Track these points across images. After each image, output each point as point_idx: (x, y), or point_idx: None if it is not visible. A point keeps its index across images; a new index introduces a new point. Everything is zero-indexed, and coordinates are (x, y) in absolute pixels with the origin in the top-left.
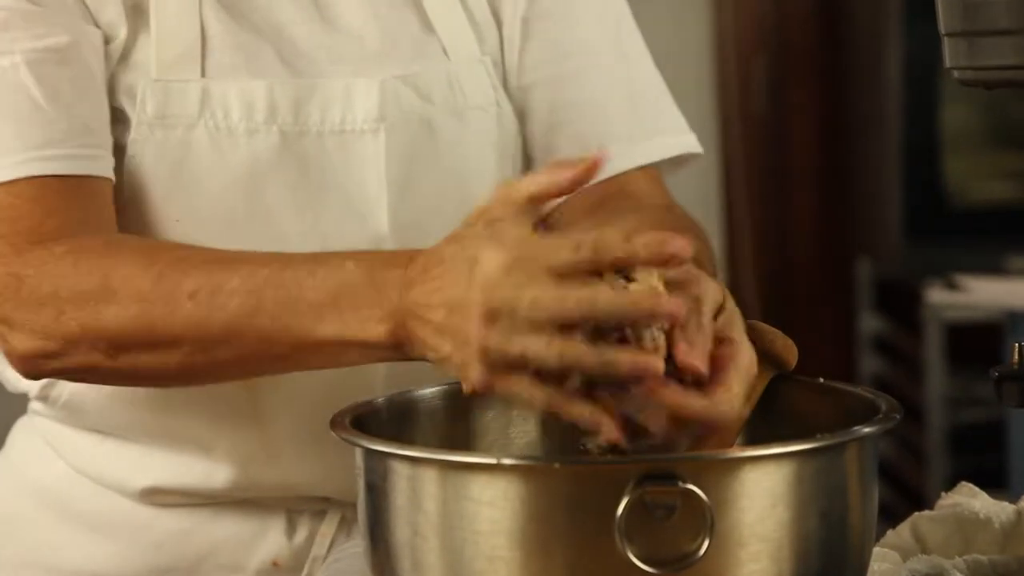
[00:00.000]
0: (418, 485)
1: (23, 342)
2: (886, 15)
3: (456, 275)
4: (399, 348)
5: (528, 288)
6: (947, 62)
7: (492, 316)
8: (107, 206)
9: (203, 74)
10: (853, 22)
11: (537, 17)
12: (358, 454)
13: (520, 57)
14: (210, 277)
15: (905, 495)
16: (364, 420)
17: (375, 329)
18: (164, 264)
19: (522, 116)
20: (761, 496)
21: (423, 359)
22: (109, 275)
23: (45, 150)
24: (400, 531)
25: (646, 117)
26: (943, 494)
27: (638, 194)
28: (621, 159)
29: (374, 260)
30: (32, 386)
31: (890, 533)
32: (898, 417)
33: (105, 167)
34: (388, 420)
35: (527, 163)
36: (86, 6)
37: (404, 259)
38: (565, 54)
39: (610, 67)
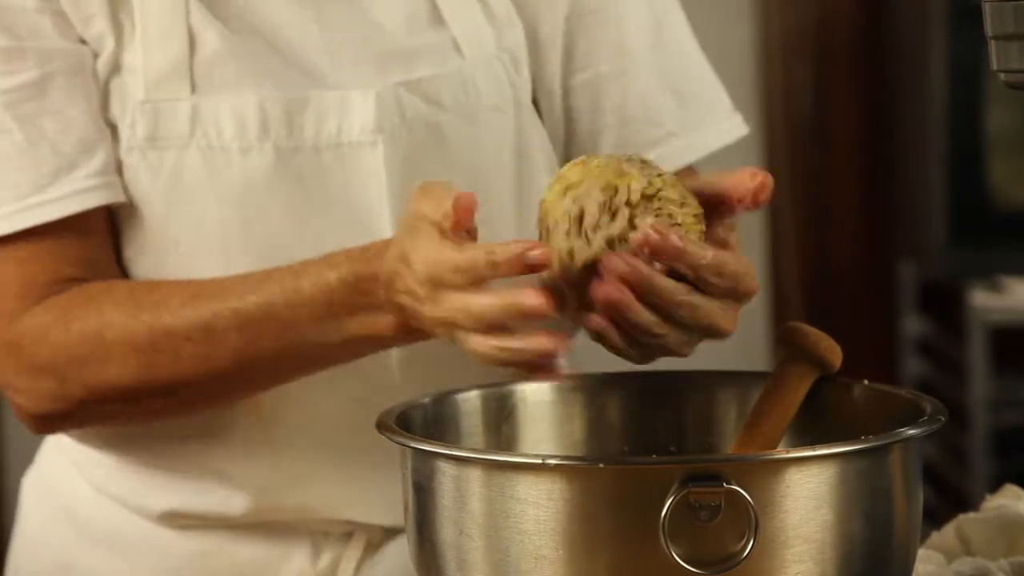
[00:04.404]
0: (464, 485)
1: (34, 405)
2: (930, 18)
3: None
4: (411, 332)
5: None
6: (994, 65)
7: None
8: (100, 240)
9: (193, 89)
10: (897, 25)
11: (581, 15)
12: (404, 454)
13: (565, 57)
14: (199, 314)
15: (949, 497)
16: (409, 420)
17: (383, 322)
18: (150, 311)
19: (568, 115)
20: (805, 497)
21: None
22: (101, 333)
23: (31, 198)
24: (446, 530)
25: (695, 106)
26: (987, 496)
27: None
28: (681, 154)
29: (352, 264)
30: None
31: (934, 535)
32: (943, 419)
33: (98, 196)
34: (433, 420)
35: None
36: (70, 23)
37: (376, 257)
38: (610, 54)
39: (654, 62)
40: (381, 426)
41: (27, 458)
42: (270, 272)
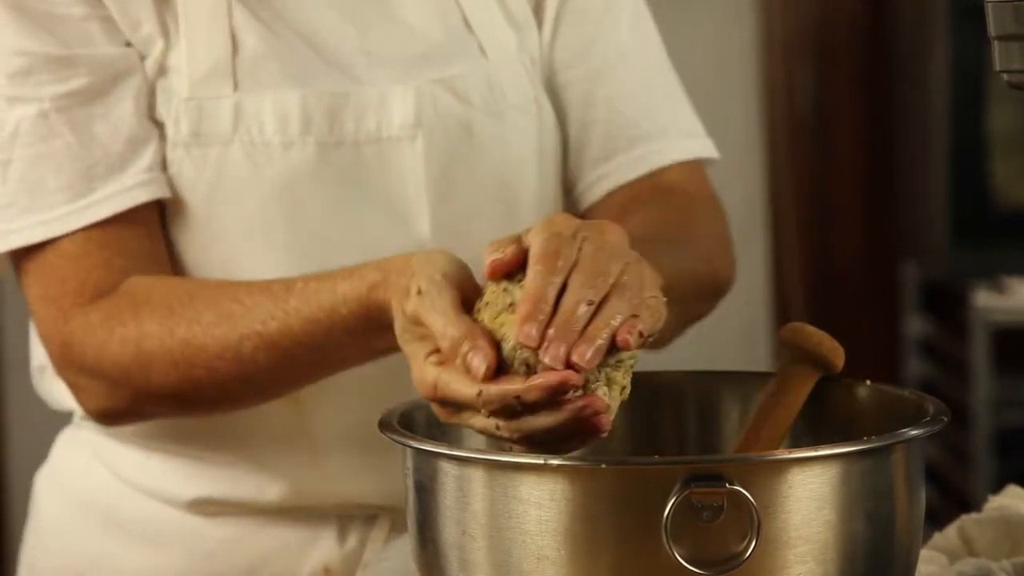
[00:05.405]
0: (466, 485)
1: (94, 403)
2: (932, 18)
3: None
4: (372, 297)
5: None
6: (996, 65)
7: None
8: (151, 232)
9: (236, 87)
10: (898, 25)
11: (566, 13)
12: (407, 454)
13: (551, 53)
14: (227, 336)
15: (951, 498)
16: (412, 420)
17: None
18: (185, 326)
19: (560, 113)
20: (808, 498)
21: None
22: (140, 343)
23: (86, 197)
24: (448, 531)
25: (661, 116)
26: (990, 497)
27: (667, 185)
28: (653, 157)
29: (360, 299)
30: (75, 404)
31: (937, 535)
32: (946, 420)
33: (145, 192)
34: (436, 420)
35: (565, 160)
36: (117, 28)
37: (382, 286)
38: (595, 51)
39: (635, 66)
40: (383, 426)
41: (30, 457)
42: (288, 296)
